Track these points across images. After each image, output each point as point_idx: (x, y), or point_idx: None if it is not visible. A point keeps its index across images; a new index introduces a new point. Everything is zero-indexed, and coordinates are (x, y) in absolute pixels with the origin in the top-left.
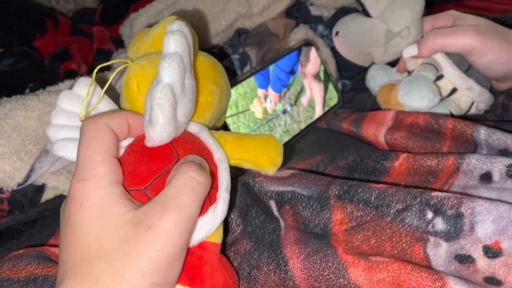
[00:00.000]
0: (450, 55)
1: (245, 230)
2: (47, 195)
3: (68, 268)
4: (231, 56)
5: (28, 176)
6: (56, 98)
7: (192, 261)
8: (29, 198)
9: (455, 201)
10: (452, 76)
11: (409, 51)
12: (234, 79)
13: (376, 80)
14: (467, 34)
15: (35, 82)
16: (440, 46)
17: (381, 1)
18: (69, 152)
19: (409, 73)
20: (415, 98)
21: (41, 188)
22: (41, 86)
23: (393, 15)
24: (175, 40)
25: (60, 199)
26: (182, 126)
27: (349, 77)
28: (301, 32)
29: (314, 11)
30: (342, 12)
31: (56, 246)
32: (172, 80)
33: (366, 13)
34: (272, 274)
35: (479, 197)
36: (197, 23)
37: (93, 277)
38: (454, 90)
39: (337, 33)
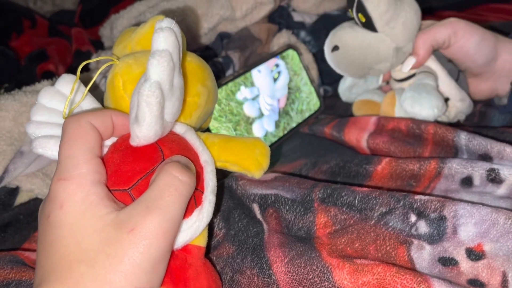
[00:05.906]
0: (442, 64)
1: (228, 233)
2: (21, 198)
3: (46, 271)
4: (214, 59)
5: (1, 178)
6: (33, 98)
7: (176, 264)
8: (2, 201)
9: (438, 204)
10: (449, 87)
11: (409, 64)
12: (217, 82)
13: (354, 89)
14: (450, 21)
15: (10, 82)
16: (431, 38)
17: (386, 15)
18: (49, 149)
19: (387, 83)
20: (425, 107)
21: (15, 191)
22: (17, 86)
23: (400, 31)
24: (165, 37)
25: (35, 203)
26: (169, 126)
27: (330, 83)
28: (284, 37)
29: (297, 17)
30: (324, 18)
31: (30, 250)
32: (161, 77)
33: (371, 27)
34: (256, 278)
35: (461, 200)
36: (179, 25)
37: (73, 281)
38: (446, 100)
39: (335, 47)
